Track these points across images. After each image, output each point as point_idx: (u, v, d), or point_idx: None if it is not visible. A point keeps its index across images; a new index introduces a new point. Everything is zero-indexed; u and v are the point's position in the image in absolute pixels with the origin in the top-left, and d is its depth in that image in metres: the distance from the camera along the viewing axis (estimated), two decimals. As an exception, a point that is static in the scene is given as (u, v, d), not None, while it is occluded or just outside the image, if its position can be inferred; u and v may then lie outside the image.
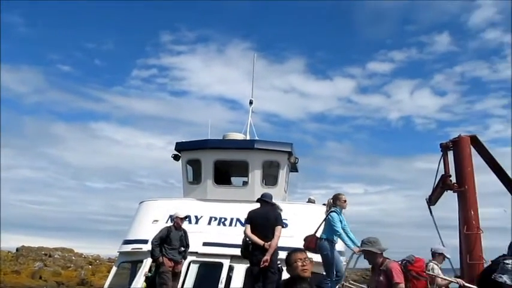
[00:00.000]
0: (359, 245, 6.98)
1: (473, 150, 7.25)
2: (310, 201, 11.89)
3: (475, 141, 7.02)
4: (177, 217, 9.05)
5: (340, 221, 7.57)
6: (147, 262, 9.55)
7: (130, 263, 10.80)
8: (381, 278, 4.83)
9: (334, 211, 7.70)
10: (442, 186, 7.28)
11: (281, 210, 7.90)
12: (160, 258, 8.52)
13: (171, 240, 8.81)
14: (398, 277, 4.82)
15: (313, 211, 10.59)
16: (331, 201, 8.01)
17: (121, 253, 10.70)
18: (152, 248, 8.64)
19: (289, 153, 11.60)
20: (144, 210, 11.36)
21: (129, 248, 10.43)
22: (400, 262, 5.42)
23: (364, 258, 5.23)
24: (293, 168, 13.16)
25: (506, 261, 2.89)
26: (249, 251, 7.35)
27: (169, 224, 9.40)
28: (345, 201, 7.75)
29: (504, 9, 75.49)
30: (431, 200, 7.94)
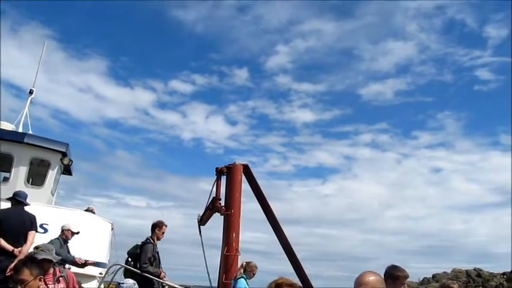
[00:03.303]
0: None
1: (244, 178, 7.80)
2: (88, 210, 11.07)
3: (246, 170, 7.54)
4: (68, 229, 8.03)
5: None
6: None
7: None
8: (61, 285, 5.18)
9: (242, 277, 7.46)
10: (211, 208, 7.57)
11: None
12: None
13: (60, 255, 7.33)
14: (77, 282, 5.54)
15: (82, 219, 9.92)
16: (244, 264, 7.70)
17: None
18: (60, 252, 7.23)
19: (64, 154, 10.68)
20: None
21: None
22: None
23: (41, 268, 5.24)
24: (66, 170, 12.17)
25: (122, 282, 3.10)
26: None
27: None
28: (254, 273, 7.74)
29: (296, 60, 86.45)
30: (202, 220, 8.20)
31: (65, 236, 8.14)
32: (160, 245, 8.30)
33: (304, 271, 7.80)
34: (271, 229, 7.95)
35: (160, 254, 7.86)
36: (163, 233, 7.84)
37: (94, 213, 10.91)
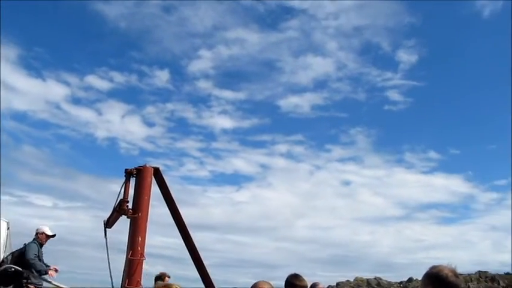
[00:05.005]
0: None
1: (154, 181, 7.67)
2: None
3: (157, 173, 7.43)
4: (43, 233, 7.64)
5: None
6: None
7: None
8: None
9: None
10: (118, 210, 7.35)
11: None
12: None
13: (34, 265, 7.29)
14: None
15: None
16: None
17: None
18: (35, 262, 7.02)
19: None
20: None
21: None
22: None
23: None
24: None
25: None
26: None
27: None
28: None
29: (218, 66, 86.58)
30: (108, 223, 7.94)
31: (40, 239, 7.69)
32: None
33: (209, 277, 7.83)
34: (179, 234, 7.90)
35: None
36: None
37: None
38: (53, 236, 7.98)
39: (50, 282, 7.82)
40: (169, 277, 7.82)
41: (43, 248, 7.90)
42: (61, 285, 8.10)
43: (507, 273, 48.16)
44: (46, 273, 7.51)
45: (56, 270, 7.78)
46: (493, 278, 46.20)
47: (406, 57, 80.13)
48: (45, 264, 7.69)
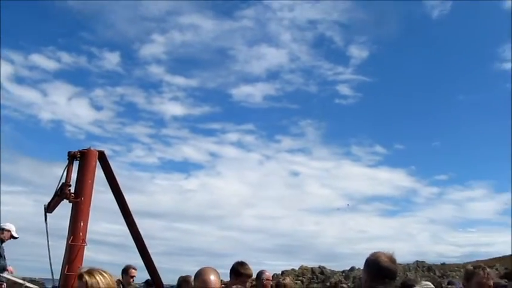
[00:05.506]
0: None
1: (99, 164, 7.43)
2: None
3: (102, 156, 7.18)
4: (9, 231, 7.30)
5: None
6: None
7: None
8: None
9: None
10: (60, 194, 7.05)
11: None
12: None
13: (1, 257, 7.02)
14: None
15: None
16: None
17: None
18: None
19: None
20: None
21: None
22: None
23: None
24: None
25: None
26: None
27: None
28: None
29: (170, 52, 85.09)
30: (49, 207, 7.63)
31: (3, 236, 7.32)
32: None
33: (154, 265, 7.71)
34: (123, 220, 7.71)
35: None
36: (132, 276, 7.32)
37: None
38: (16, 238, 7.80)
39: (7, 278, 7.58)
40: (135, 269, 7.66)
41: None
42: (13, 278, 7.84)
43: (443, 264, 51.08)
44: (5, 270, 7.37)
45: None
46: (429, 268, 48.75)
47: (358, 52, 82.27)
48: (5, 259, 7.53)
